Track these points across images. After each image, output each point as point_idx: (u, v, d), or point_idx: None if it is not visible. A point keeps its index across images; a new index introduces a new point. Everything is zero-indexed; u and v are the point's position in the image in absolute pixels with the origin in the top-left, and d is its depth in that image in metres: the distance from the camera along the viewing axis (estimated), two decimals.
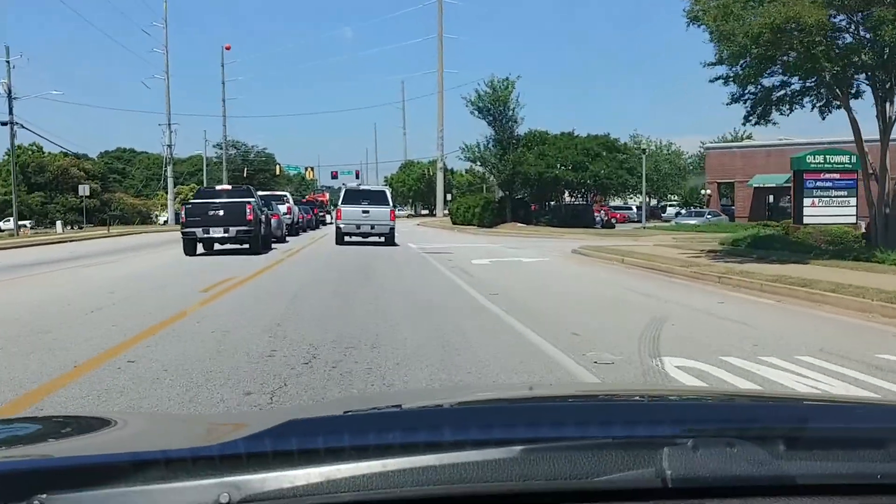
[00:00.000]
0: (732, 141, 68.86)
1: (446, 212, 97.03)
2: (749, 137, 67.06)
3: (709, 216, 51.38)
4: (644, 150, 51.20)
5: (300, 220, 45.02)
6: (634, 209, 73.17)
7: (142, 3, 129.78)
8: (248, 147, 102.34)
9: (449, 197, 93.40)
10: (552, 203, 55.27)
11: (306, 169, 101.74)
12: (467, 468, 1.19)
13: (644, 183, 47.67)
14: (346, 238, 28.39)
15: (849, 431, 1.42)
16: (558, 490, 1.21)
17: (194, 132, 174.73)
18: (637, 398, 2.22)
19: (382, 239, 28.22)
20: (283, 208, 35.06)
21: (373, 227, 28.24)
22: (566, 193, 53.38)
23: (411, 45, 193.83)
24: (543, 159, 49.81)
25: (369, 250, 25.26)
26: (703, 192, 61.49)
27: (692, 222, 47.99)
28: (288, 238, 33.30)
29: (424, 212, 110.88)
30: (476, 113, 51.63)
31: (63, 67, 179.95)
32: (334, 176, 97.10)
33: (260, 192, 31.44)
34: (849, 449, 1.31)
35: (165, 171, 74.73)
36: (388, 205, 28.97)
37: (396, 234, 29.22)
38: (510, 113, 51.32)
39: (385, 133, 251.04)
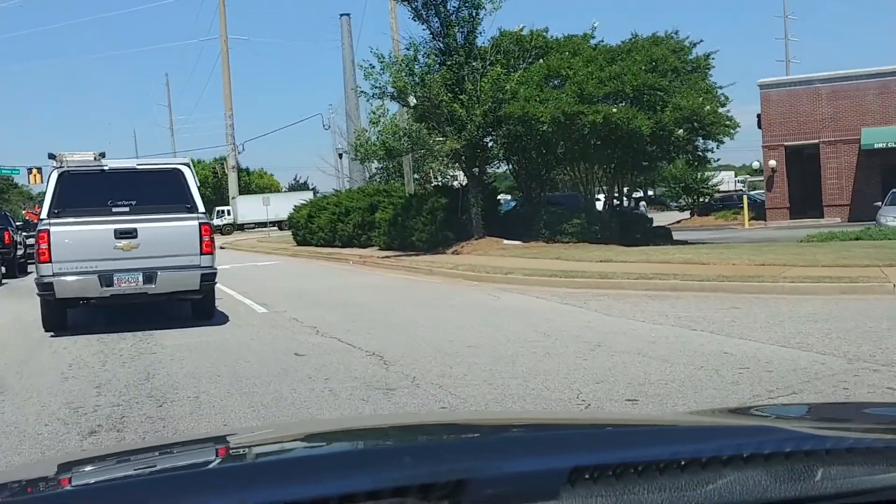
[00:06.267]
0: None
1: (238, 222, 69.63)
2: None
3: None
4: None
5: None
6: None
7: None
8: None
9: (263, 201, 60.71)
10: (553, 191, 25.29)
11: (30, 171, 66.87)
12: None
13: None
14: (70, 308, 10.62)
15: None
16: None
17: None
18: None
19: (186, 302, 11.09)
20: None
21: (151, 277, 10.15)
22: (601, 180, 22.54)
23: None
24: (568, 85, 20.40)
25: None
26: (760, 164, 35.02)
27: None
28: None
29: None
30: None
31: None
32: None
33: None
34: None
35: None
36: (193, 207, 10.51)
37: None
38: None
39: (145, 124, 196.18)
